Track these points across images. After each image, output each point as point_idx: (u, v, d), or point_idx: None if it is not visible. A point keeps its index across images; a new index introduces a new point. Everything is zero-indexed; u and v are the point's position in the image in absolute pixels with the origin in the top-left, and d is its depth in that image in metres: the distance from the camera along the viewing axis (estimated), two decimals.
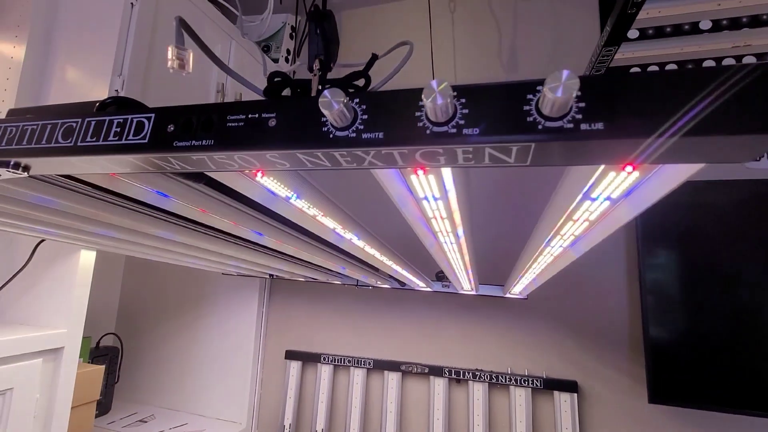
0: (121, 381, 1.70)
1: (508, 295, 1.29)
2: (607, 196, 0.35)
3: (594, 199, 0.36)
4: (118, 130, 0.33)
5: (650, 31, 1.09)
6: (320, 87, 0.56)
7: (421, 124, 0.26)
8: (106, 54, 1.04)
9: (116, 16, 1.05)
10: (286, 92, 0.55)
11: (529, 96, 0.25)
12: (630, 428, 1.31)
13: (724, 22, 1.03)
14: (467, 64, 1.70)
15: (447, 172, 0.35)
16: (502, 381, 1.40)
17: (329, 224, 0.56)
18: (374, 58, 0.61)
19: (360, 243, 0.67)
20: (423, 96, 0.25)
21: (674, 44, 1.10)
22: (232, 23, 1.50)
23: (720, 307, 1.19)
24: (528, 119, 0.24)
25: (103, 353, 1.56)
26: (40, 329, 0.96)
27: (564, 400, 1.34)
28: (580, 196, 0.36)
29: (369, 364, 1.55)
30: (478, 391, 1.42)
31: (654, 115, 0.22)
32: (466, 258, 0.72)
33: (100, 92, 1.02)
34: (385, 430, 1.47)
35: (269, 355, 1.70)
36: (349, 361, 1.57)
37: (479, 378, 1.43)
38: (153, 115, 0.33)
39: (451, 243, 0.60)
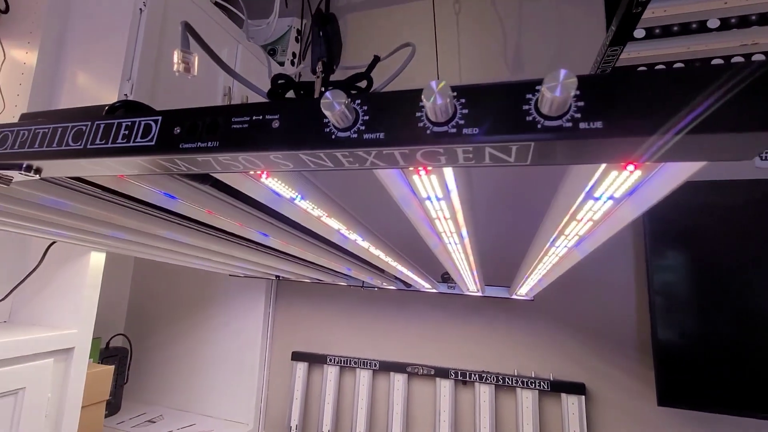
0: (130, 381, 1.73)
1: (514, 297, 1.28)
2: (610, 195, 0.35)
3: (597, 199, 0.36)
4: (126, 132, 0.34)
5: (657, 31, 1.08)
6: (323, 89, 0.56)
7: (421, 124, 0.27)
8: (116, 59, 1.06)
9: (125, 23, 1.07)
10: (290, 95, 0.56)
11: (528, 95, 0.25)
12: (639, 431, 1.29)
13: (733, 20, 1.02)
14: (472, 65, 1.70)
15: (449, 172, 0.36)
16: (508, 383, 1.39)
17: (334, 225, 0.56)
18: (376, 59, 0.61)
19: (364, 244, 0.67)
20: (423, 96, 0.25)
21: (682, 43, 1.09)
22: (238, 27, 1.52)
23: (730, 308, 1.17)
24: (527, 119, 0.25)
25: (113, 354, 1.59)
26: (52, 330, 0.98)
27: (572, 403, 1.33)
28: (582, 196, 0.36)
29: (375, 365, 1.55)
30: (484, 393, 1.41)
31: (653, 113, 0.22)
32: (471, 259, 0.72)
33: (109, 96, 1.04)
34: None
35: (276, 356, 1.71)
36: (355, 363, 1.57)
37: (485, 380, 1.42)
38: (160, 117, 0.33)
39: (456, 244, 0.60)
